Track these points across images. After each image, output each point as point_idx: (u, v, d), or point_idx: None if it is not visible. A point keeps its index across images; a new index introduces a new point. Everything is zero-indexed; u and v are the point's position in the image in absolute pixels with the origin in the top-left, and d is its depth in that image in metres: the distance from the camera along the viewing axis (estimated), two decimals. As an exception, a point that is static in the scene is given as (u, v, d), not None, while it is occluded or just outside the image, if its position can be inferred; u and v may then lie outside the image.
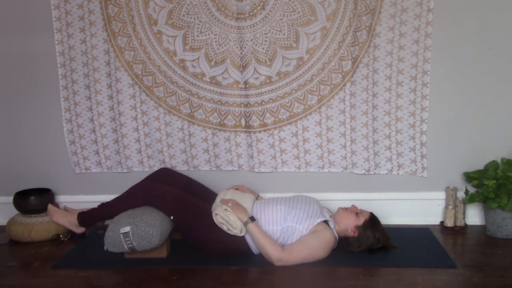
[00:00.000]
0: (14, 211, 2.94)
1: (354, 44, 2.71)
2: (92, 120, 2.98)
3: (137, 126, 2.96)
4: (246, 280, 2.33)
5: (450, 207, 2.77)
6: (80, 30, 2.86)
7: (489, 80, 2.73)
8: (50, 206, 2.82)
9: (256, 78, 2.80)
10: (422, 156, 2.82)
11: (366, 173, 2.88)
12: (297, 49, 2.76)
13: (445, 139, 2.81)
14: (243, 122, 2.89)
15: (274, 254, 2.34)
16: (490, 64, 2.71)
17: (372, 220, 2.51)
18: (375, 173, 2.88)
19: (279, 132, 2.88)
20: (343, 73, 2.76)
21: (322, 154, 2.89)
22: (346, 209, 2.57)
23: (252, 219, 2.42)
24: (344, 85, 2.78)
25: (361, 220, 2.49)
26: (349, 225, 2.49)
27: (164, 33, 2.81)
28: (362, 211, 2.54)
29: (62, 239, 2.79)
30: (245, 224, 2.40)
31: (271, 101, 2.84)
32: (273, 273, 2.33)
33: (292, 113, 2.85)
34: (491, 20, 2.66)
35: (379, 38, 2.69)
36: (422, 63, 2.70)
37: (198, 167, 2.99)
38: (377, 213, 2.60)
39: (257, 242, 2.38)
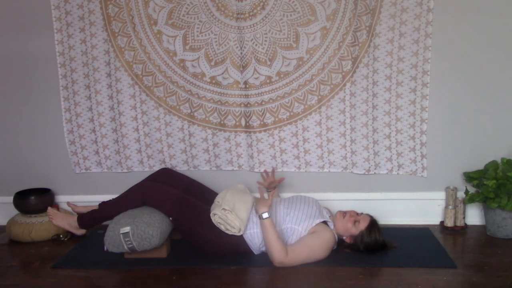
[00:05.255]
0: (14, 211, 2.94)
1: (354, 44, 2.71)
2: (92, 120, 2.98)
3: (137, 126, 2.96)
4: (246, 280, 2.33)
5: (450, 207, 2.77)
6: (80, 30, 2.86)
7: (489, 80, 2.73)
8: (49, 209, 2.82)
9: (256, 78, 2.80)
10: (422, 156, 2.82)
11: (366, 173, 2.88)
12: (297, 49, 2.76)
13: (445, 139, 2.81)
14: (243, 122, 2.89)
15: (278, 257, 2.32)
16: (490, 64, 2.71)
17: (369, 231, 2.44)
18: (375, 173, 2.88)
19: (279, 132, 2.88)
20: (343, 73, 2.76)
21: (322, 154, 2.89)
22: (344, 214, 2.52)
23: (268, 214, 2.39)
24: (344, 85, 2.78)
25: (358, 229, 2.45)
26: (344, 232, 2.47)
27: (164, 33, 2.82)
28: (361, 219, 2.47)
29: (62, 239, 2.79)
30: (261, 217, 2.38)
31: (271, 101, 2.84)
32: (273, 273, 2.33)
33: (292, 113, 2.85)
34: (491, 20, 2.66)
35: (379, 38, 2.69)
36: (422, 63, 2.70)
37: (198, 167, 2.99)
38: (377, 213, 2.60)
39: (266, 238, 2.36)
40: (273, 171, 2.78)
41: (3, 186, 3.10)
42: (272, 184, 2.77)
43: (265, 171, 2.77)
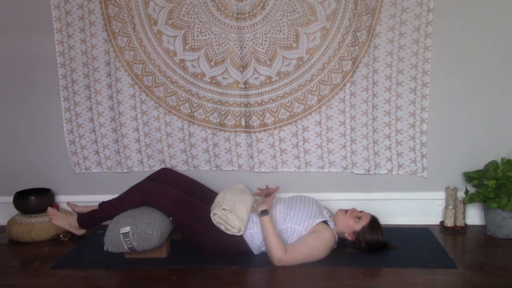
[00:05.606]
0: (14, 211, 2.94)
1: (354, 44, 2.71)
2: (92, 120, 2.98)
3: (137, 126, 2.96)
4: (246, 280, 2.33)
5: (450, 207, 2.77)
6: (80, 30, 2.86)
7: (489, 80, 2.73)
8: (49, 209, 2.82)
9: (256, 78, 2.80)
10: (422, 156, 2.82)
11: (366, 173, 2.88)
12: (297, 49, 2.76)
13: (445, 139, 2.81)
14: (243, 122, 2.89)
15: (277, 254, 2.33)
16: (490, 64, 2.71)
17: (371, 227, 2.46)
18: (375, 173, 2.88)
19: (279, 132, 2.88)
20: (343, 73, 2.76)
21: (322, 154, 2.89)
22: (345, 211, 2.54)
23: (266, 212, 2.41)
24: (344, 85, 2.78)
25: (359, 225, 2.46)
26: (346, 229, 2.48)
27: (164, 33, 2.82)
28: (363, 215, 2.49)
29: (62, 239, 2.79)
30: (261, 214, 2.40)
31: (271, 101, 2.84)
32: (273, 273, 2.33)
33: (292, 113, 2.85)
34: (491, 20, 2.66)
35: (379, 38, 2.69)
36: (422, 63, 2.70)
37: (198, 167, 2.99)
38: (377, 213, 2.60)
39: (266, 236, 2.37)
40: (267, 187, 2.78)
41: (3, 186, 3.10)
42: (268, 195, 2.76)
43: (259, 188, 2.78)
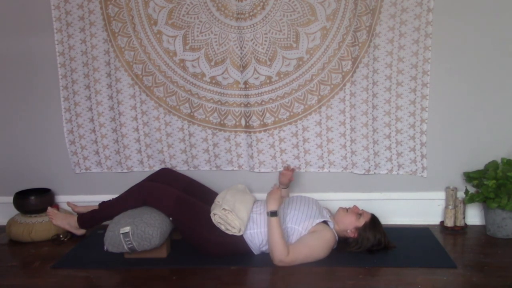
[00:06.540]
0: (14, 211, 2.94)
1: (354, 44, 2.71)
2: (92, 120, 2.98)
3: (137, 126, 2.96)
4: (246, 280, 2.33)
5: (450, 207, 2.77)
6: (80, 30, 2.86)
7: (489, 80, 2.73)
8: (49, 209, 2.82)
9: (256, 78, 2.80)
10: (422, 156, 2.82)
11: (366, 173, 2.88)
12: (297, 49, 2.76)
13: (445, 139, 2.81)
14: (243, 122, 2.89)
15: (278, 255, 2.33)
16: (490, 64, 2.71)
17: (373, 222, 2.49)
18: (375, 173, 2.88)
19: (279, 132, 2.88)
20: (343, 73, 2.76)
21: (322, 154, 2.89)
22: (346, 209, 2.57)
23: (276, 213, 2.40)
24: (344, 85, 2.78)
25: (361, 222, 2.48)
26: (348, 225, 2.49)
27: (164, 33, 2.82)
28: (363, 212, 2.53)
29: (62, 239, 2.79)
30: (270, 214, 2.39)
31: (271, 101, 2.84)
32: (273, 273, 2.33)
33: (292, 113, 2.85)
34: (491, 20, 2.66)
35: (379, 38, 2.69)
36: (422, 63, 2.70)
37: (198, 167, 2.99)
38: (377, 213, 2.60)
39: (271, 237, 2.37)
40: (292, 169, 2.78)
41: (3, 186, 3.10)
42: (289, 182, 2.77)
43: (287, 167, 2.77)
